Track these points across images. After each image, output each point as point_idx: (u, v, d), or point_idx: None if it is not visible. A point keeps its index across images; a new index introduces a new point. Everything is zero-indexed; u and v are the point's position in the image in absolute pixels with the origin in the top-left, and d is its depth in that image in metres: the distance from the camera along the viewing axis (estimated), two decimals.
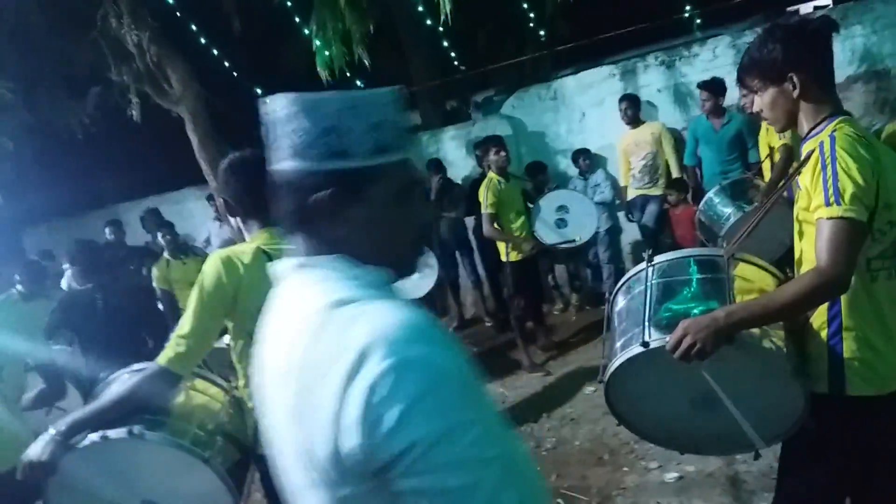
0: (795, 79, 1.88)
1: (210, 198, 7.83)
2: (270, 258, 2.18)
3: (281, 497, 1.71)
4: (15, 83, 7.66)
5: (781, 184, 2.27)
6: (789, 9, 12.07)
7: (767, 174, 5.07)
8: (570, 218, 6.07)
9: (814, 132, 1.90)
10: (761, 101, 1.98)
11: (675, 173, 6.78)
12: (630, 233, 7.38)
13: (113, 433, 2.01)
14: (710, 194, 5.09)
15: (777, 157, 4.98)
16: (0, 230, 9.02)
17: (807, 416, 1.87)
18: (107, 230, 7.80)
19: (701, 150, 6.44)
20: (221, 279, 2.11)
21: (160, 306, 6.37)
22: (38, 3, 7.27)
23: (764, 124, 5.18)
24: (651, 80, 7.51)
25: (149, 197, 9.60)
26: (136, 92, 7.36)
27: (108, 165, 11.52)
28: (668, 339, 1.79)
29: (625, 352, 1.91)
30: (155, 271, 6.42)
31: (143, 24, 6.83)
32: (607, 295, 2.23)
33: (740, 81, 2.04)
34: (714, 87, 6.16)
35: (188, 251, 6.71)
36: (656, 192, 6.80)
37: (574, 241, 6.04)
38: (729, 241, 3.18)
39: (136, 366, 2.31)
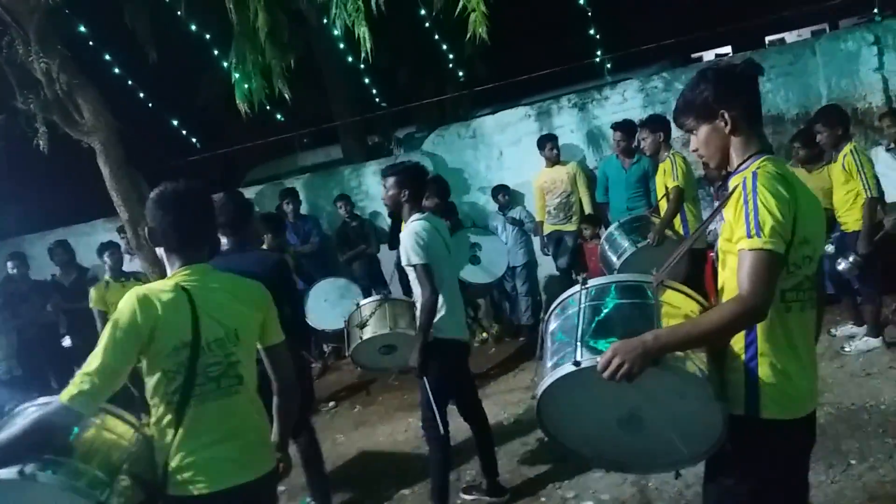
0: (727, 115, 2.02)
1: (121, 230, 7.58)
2: (189, 295, 2.16)
3: None
4: None
5: (707, 218, 2.42)
6: (693, 55, 12.87)
7: (663, 212, 5.42)
8: (483, 255, 6.30)
9: (740, 168, 2.03)
10: (696, 139, 2.10)
11: (587, 210, 7.08)
12: (546, 267, 7.59)
13: (3, 473, 1.92)
14: (610, 229, 5.55)
15: (672, 196, 5.31)
16: None
17: (725, 438, 1.96)
18: (9, 264, 7.41)
19: (610, 188, 6.76)
20: (136, 318, 2.07)
21: (98, 327, 6.13)
22: None
23: (661, 167, 5.53)
24: (565, 121, 7.82)
25: (56, 229, 9.21)
26: (42, 121, 7.07)
27: (11, 196, 10.97)
28: (598, 359, 1.86)
29: (557, 370, 1.96)
30: (93, 292, 6.22)
31: (52, 52, 6.59)
32: (539, 321, 2.30)
33: (676, 121, 2.17)
34: (627, 128, 6.50)
35: (130, 275, 6.50)
36: (570, 227, 7.08)
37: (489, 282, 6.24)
38: (623, 272, 3.26)
39: (42, 399, 2.21)
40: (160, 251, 2.31)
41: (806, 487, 2.17)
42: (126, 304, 2.10)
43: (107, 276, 6.36)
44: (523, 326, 7.23)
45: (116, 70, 8.08)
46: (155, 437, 2.18)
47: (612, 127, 6.74)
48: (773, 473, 2.01)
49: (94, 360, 2.04)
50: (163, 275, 2.33)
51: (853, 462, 3.63)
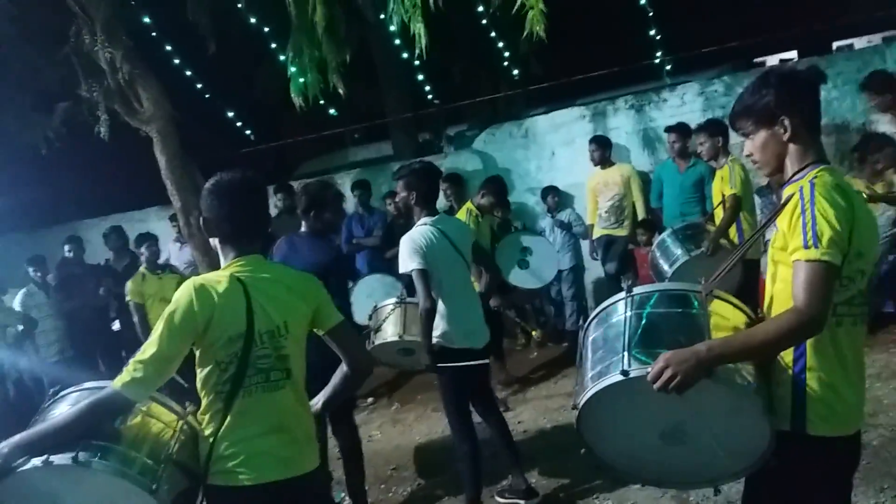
0: (786, 122, 1.95)
1: (173, 218, 7.71)
2: (245, 286, 2.16)
3: None
4: None
5: (761, 227, 2.34)
6: (756, 59, 12.50)
7: (718, 221, 5.24)
8: (533, 260, 6.19)
9: (796, 177, 1.97)
10: (752, 144, 2.04)
11: (641, 214, 6.89)
12: (593, 271, 7.44)
13: (57, 459, 1.94)
14: (663, 235, 5.35)
15: (728, 204, 5.14)
16: None
17: (771, 453, 1.90)
18: (66, 247, 7.62)
19: (664, 192, 6.57)
20: (193, 308, 2.09)
21: (135, 319, 6.29)
22: (11, 16, 7.17)
23: (718, 173, 5.36)
24: (621, 122, 7.66)
25: (111, 215, 9.44)
26: (105, 109, 7.25)
27: (71, 181, 11.32)
28: (647, 369, 1.81)
29: (602, 379, 1.91)
30: (130, 285, 6.33)
31: (117, 42, 6.75)
32: (580, 328, 2.25)
33: (732, 124, 2.11)
34: (682, 131, 6.32)
35: (166, 267, 6.63)
36: (622, 232, 6.90)
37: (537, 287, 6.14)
38: (675, 281, 3.14)
39: (88, 384, 2.24)
40: (214, 241, 2.32)
41: None
42: (183, 293, 2.12)
43: (143, 268, 6.43)
44: (567, 332, 7.08)
45: (176, 61, 8.23)
46: (201, 426, 2.19)
47: (665, 129, 6.57)
48: (816, 491, 1.96)
49: (148, 348, 2.07)
50: (213, 264, 2.34)
51: None
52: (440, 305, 3.68)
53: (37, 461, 1.94)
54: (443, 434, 5.31)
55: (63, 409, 2.15)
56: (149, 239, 6.56)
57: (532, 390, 5.97)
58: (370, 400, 6.48)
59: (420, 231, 3.69)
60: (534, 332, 7.24)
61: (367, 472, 4.29)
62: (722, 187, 5.34)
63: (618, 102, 7.78)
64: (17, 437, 1.98)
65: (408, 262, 3.62)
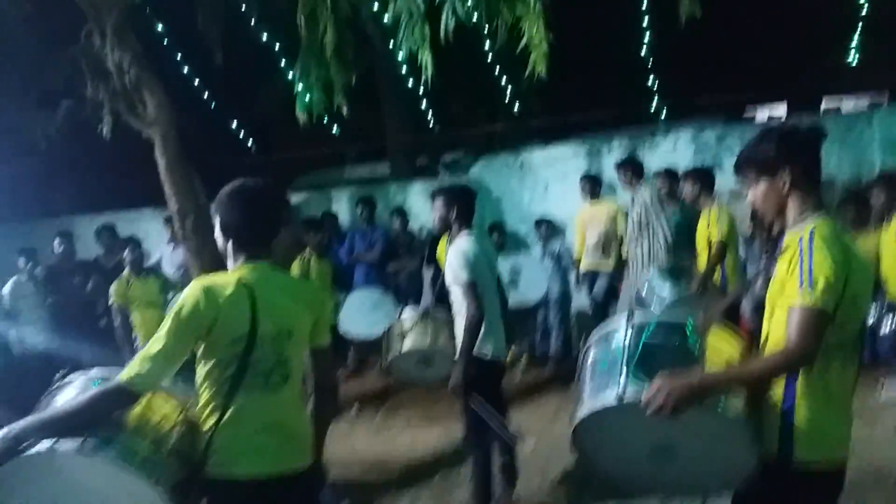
0: (788, 173, 2.09)
1: (168, 220, 7.76)
2: (251, 291, 2.24)
3: None
4: None
5: (764, 269, 2.51)
6: (747, 113, 12.83)
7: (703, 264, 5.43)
8: (522, 280, 6.30)
9: (796, 226, 2.09)
10: (754, 192, 2.17)
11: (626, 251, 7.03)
12: (579, 300, 7.57)
13: (62, 446, 2.00)
14: (651, 275, 5.52)
15: (714, 250, 5.33)
16: None
17: (755, 476, 2.01)
18: (56, 241, 7.64)
19: None
20: (199, 307, 2.17)
21: (116, 322, 6.31)
22: (22, 15, 7.27)
23: (703, 218, 5.54)
24: (614, 161, 7.83)
25: (104, 213, 9.46)
26: (109, 110, 7.33)
27: (66, 176, 11.33)
28: (643, 393, 1.92)
29: (598, 400, 2.03)
30: (115, 286, 6.33)
31: (126, 46, 6.85)
32: (581, 349, 2.36)
33: (737, 172, 2.24)
34: (669, 176, 6.54)
35: (150, 271, 6.63)
36: (607, 267, 7.05)
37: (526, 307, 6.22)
38: None
39: (95, 371, 2.31)
40: (224, 244, 2.39)
41: None
42: (191, 292, 2.20)
43: (127, 272, 6.40)
44: (551, 358, 7.21)
45: (184, 69, 8.35)
46: (200, 420, 2.25)
47: (654, 175, 6.77)
48: None
49: (154, 344, 2.14)
50: (205, 268, 2.43)
51: None
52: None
53: (43, 446, 1.99)
54: (425, 446, 5.37)
55: (70, 393, 2.22)
56: (132, 242, 6.55)
57: (516, 413, 6.00)
58: (355, 409, 6.47)
59: (469, 244, 3.75)
60: (520, 358, 7.34)
61: (346, 481, 4.35)
62: (707, 231, 5.52)
63: (612, 142, 7.99)
64: (28, 420, 2.04)
65: (460, 273, 3.66)
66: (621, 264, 6.88)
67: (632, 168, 6.58)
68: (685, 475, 2.14)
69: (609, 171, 7.69)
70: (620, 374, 2.04)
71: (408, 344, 4.43)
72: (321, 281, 5.97)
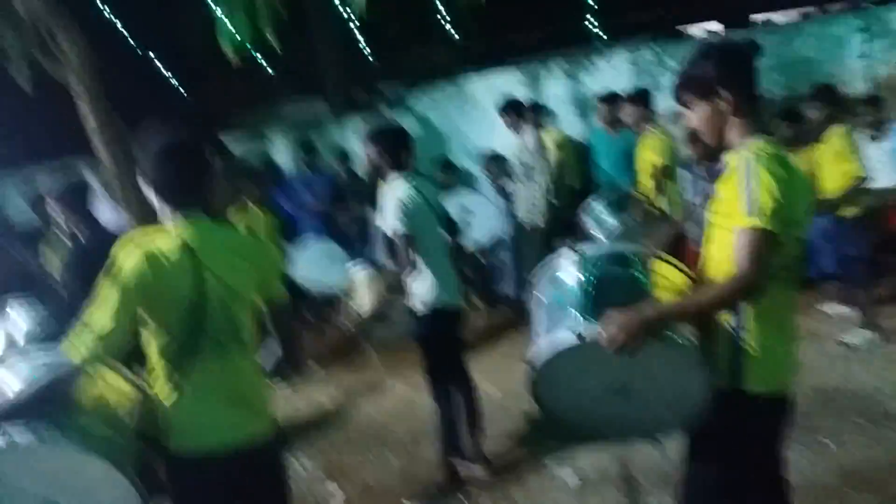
0: (728, 95, 2.06)
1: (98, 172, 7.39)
2: (193, 252, 2.12)
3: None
4: None
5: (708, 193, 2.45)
6: (678, 27, 12.78)
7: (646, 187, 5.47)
8: (475, 220, 6.17)
9: (738, 147, 2.07)
10: (694, 116, 2.14)
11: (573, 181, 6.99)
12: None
13: (21, 438, 1.94)
14: (593, 204, 5.32)
15: (657, 175, 5.41)
16: None
17: (709, 406, 2.04)
18: None
19: (596, 160, 6.74)
20: (147, 276, 2.04)
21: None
22: None
23: (644, 142, 5.56)
24: (555, 88, 7.75)
25: (26, 166, 8.95)
26: (27, 62, 6.87)
27: None
28: (600, 331, 1.91)
29: (558, 341, 2.00)
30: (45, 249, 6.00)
31: None
32: (528, 288, 2.30)
33: (676, 97, 2.20)
34: (611, 100, 6.45)
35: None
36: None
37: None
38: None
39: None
40: (152, 196, 2.23)
41: (783, 462, 2.25)
42: (129, 257, 2.06)
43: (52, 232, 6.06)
44: (505, 298, 7.01)
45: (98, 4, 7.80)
46: (157, 395, 2.17)
47: (598, 100, 6.70)
48: (752, 447, 2.12)
49: (93, 312, 2.03)
50: (145, 220, 2.29)
51: (825, 441, 3.80)
52: (422, 267, 3.62)
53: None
54: (393, 401, 5.28)
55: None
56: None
57: (473, 355, 6.01)
58: (314, 366, 6.17)
59: (405, 191, 3.59)
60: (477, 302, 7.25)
61: (313, 441, 4.30)
62: (649, 156, 5.55)
63: (551, 66, 7.87)
64: None
65: (396, 224, 3.54)
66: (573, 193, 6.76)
67: (515, 111, 6.37)
68: (641, 414, 2.15)
69: (553, 99, 7.62)
70: (574, 313, 2.01)
71: (362, 302, 4.32)
72: (268, 234, 5.69)
